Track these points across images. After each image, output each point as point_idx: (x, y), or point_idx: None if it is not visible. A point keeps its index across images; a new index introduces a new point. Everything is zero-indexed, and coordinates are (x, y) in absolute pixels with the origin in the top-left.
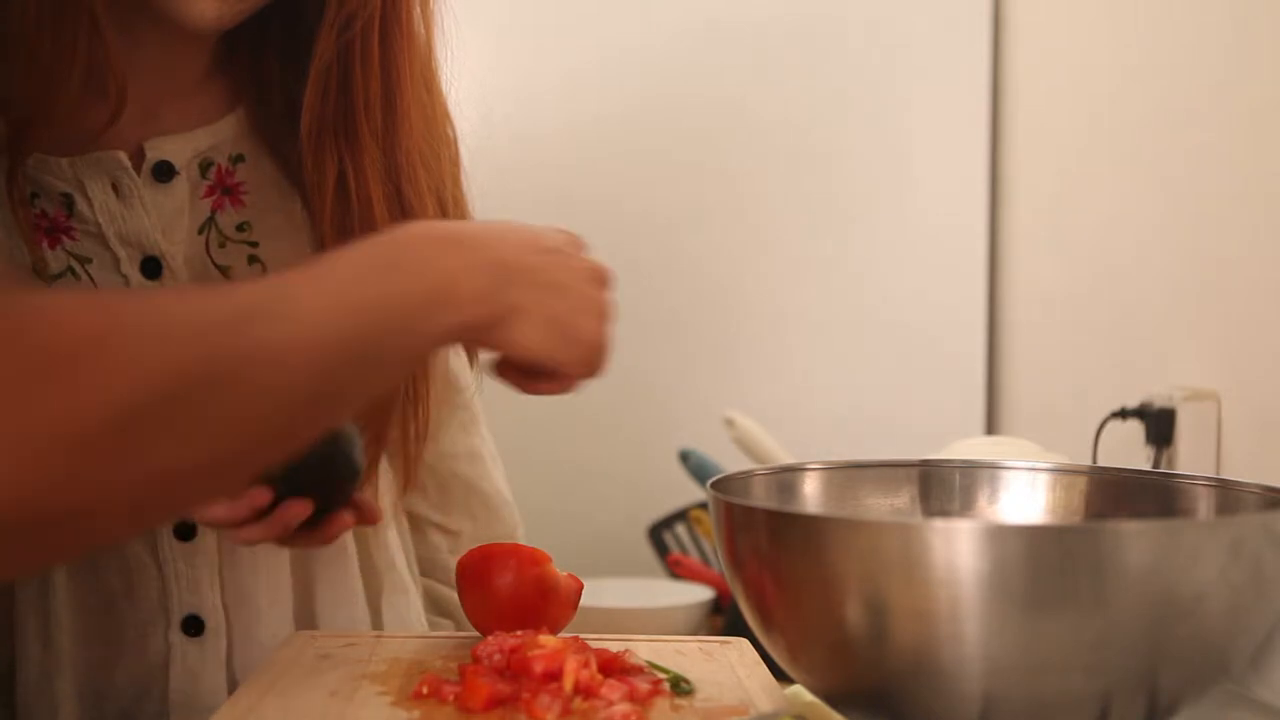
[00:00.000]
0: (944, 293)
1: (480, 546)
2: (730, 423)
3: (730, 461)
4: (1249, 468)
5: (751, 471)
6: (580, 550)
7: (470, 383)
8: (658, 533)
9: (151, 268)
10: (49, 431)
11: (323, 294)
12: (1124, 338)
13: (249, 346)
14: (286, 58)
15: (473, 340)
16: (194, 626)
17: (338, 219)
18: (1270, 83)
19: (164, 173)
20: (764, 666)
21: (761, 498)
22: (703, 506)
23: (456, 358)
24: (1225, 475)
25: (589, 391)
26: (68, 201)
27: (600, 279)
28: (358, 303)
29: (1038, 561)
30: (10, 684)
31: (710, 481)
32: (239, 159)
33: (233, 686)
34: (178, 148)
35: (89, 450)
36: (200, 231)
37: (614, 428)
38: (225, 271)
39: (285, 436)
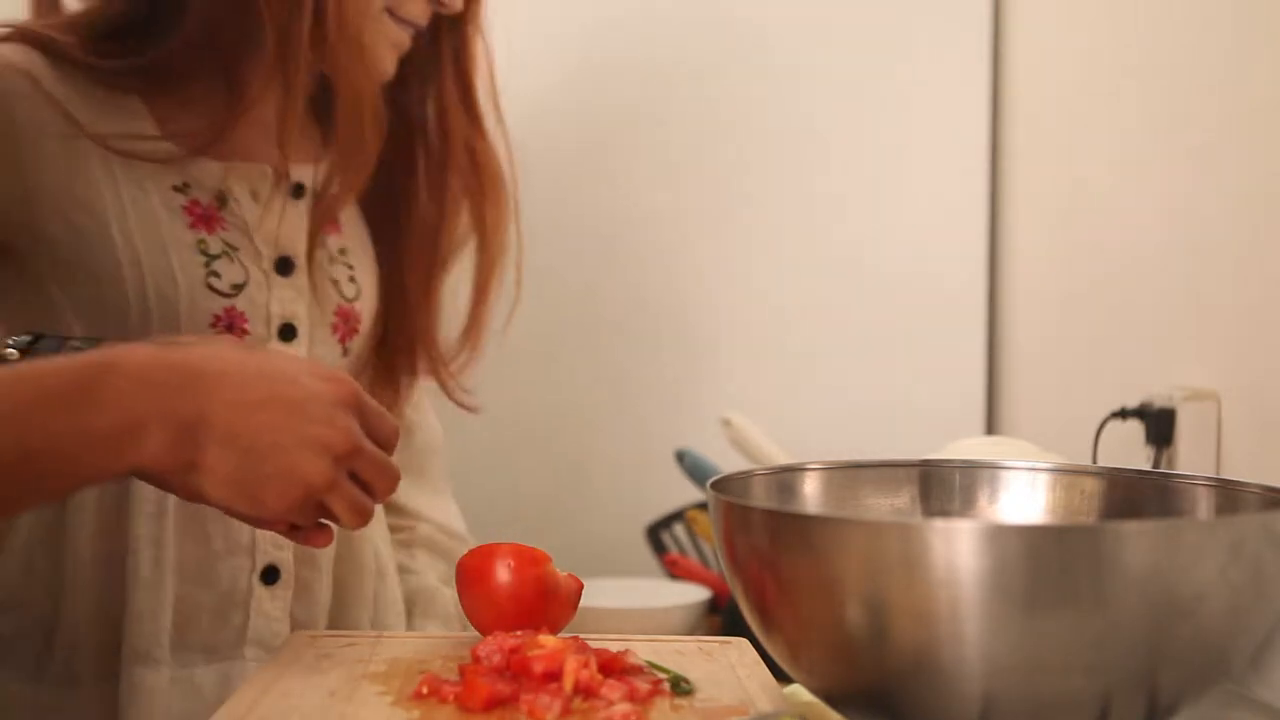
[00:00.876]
0: (944, 292)
1: (480, 546)
2: (727, 423)
3: (727, 462)
4: (1249, 468)
5: (751, 471)
6: (580, 550)
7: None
8: (655, 533)
9: (283, 265)
10: None
11: (5, 418)
12: (1124, 338)
13: None
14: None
15: (157, 483)
16: (271, 575)
17: (472, 186)
18: (1270, 83)
19: (298, 192)
20: (764, 666)
21: (761, 498)
22: (700, 507)
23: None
24: (1225, 475)
25: (588, 392)
26: (221, 198)
27: (331, 450)
28: (27, 432)
29: (1038, 561)
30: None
31: (710, 482)
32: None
33: (294, 628)
34: (307, 173)
35: None
36: (317, 248)
37: (612, 428)
38: (335, 284)
39: None
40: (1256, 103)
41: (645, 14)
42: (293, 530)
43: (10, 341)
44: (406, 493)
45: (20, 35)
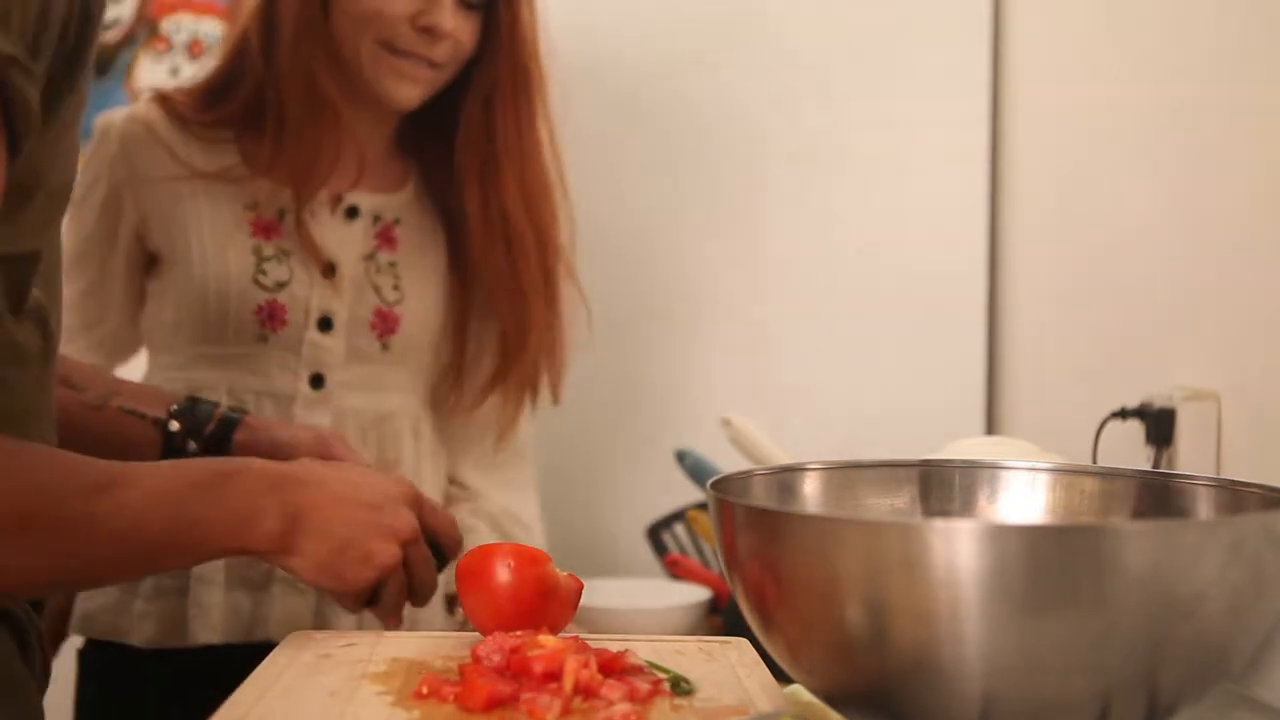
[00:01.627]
0: (944, 292)
1: (480, 546)
2: (727, 423)
3: (728, 462)
4: (1249, 468)
5: (751, 471)
6: (580, 550)
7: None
8: (656, 533)
9: (329, 270)
10: None
11: (156, 495)
12: (1124, 338)
13: (92, 513)
14: (440, 139)
15: (263, 559)
16: None
17: (485, 230)
18: (1270, 82)
19: (352, 214)
20: (764, 666)
21: (761, 498)
22: (701, 507)
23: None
24: (1225, 475)
25: (588, 392)
26: (281, 214)
27: (398, 536)
28: (178, 513)
29: (1038, 561)
30: None
31: (710, 481)
32: (398, 221)
33: None
34: (365, 201)
35: None
36: (365, 259)
37: (613, 428)
38: (377, 290)
39: (104, 577)
40: (1257, 102)
41: (645, 11)
42: (358, 604)
43: (173, 409)
44: (477, 480)
45: (153, 95)
